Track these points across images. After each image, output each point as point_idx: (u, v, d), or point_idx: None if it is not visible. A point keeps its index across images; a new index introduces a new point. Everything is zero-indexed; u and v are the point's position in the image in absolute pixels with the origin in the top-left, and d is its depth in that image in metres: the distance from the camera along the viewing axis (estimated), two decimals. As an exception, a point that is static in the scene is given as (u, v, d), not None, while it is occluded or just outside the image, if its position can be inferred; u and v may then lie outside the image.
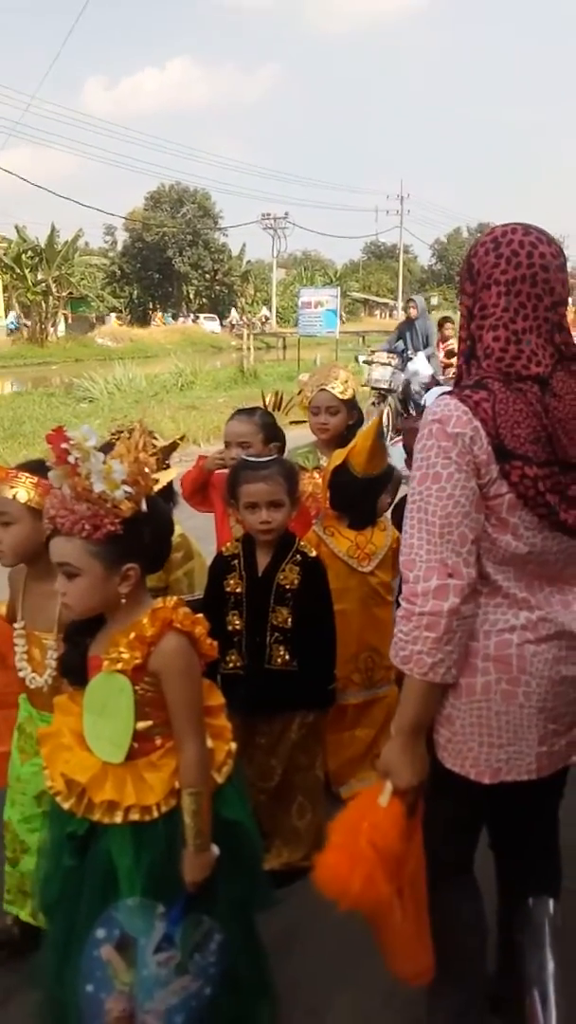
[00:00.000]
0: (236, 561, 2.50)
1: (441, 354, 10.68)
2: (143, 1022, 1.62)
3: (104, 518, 1.59)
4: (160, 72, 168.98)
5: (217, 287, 54.64)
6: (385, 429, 8.42)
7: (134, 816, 1.66)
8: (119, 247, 56.93)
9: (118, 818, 1.66)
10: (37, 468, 2.08)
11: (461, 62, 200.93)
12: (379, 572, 2.95)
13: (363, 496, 2.91)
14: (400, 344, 10.23)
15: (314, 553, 2.55)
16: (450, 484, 1.51)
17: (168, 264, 52.51)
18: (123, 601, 1.69)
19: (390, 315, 58.58)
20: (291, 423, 2.81)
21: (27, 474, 2.05)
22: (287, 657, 2.44)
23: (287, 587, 2.45)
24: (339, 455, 2.93)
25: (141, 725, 1.68)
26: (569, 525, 1.53)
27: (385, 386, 9.62)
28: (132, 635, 1.65)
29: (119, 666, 1.65)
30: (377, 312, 61.57)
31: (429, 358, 9.32)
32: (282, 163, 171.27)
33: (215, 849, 1.70)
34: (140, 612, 1.69)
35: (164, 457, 1.77)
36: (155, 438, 1.73)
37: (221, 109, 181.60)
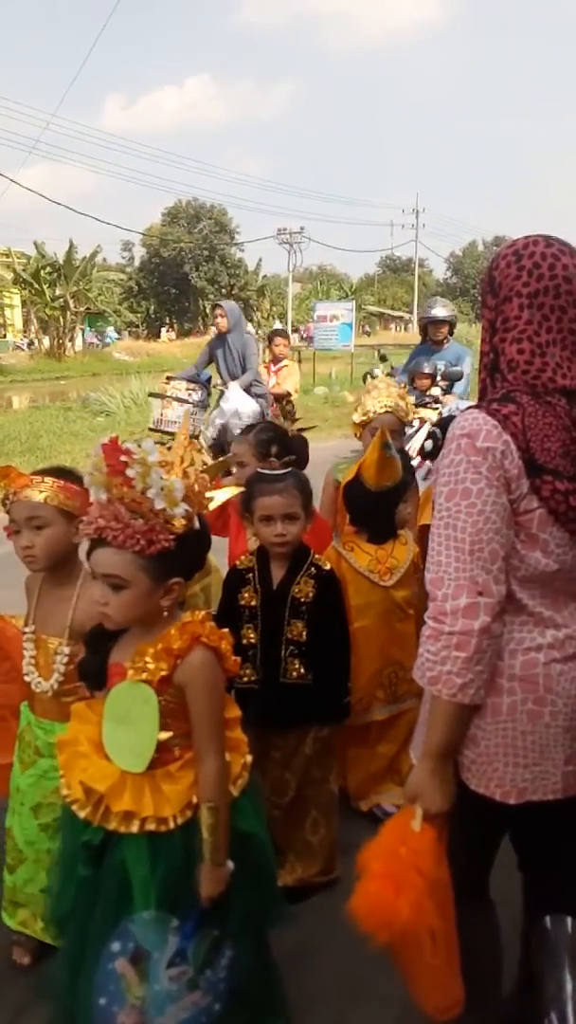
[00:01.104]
0: (251, 574, 2.50)
1: (272, 380, 7.75)
2: None
3: (159, 534, 1.61)
4: (178, 90, 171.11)
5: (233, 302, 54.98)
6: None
7: (150, 827, 1.65)
8: (136, 262, 57.41)
9: (135, 827, 1.65)
10: (57, 473, 2.12)
11: (477, 76, 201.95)
12: (400, 587, 2.93)
13: (377, 509, 2.90)
14: (207, 371, 7.38)
15: (329, 566, 2.55)
16: (480, 500, 1.48)
17: (185, 279, 52.88)
18: (165, 614, 1.71)
19: (405, 328, 58.63)
20: (298, 430, 2.81)
21: (51, 478, 2.07)
22: (302, 671, 2.43)
23: (302, 600, 2.44)
24: (352, 469, 2.93)
25: (161, 736, 1.68)
26: None
27: (174, 430, 5.64)
28: (160, 646, 1.65)
29: (144, 676, 1.65)
30: (392, 325, 61.63)
31: (248, 388, 6.93)
32: (298, 178, 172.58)
33: (230, 864, 1.69)
34: (168, 623, 1.70)
35: (214, 475, 1.77)
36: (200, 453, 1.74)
37: (238, 125, 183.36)
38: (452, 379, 6.15)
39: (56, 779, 2.08)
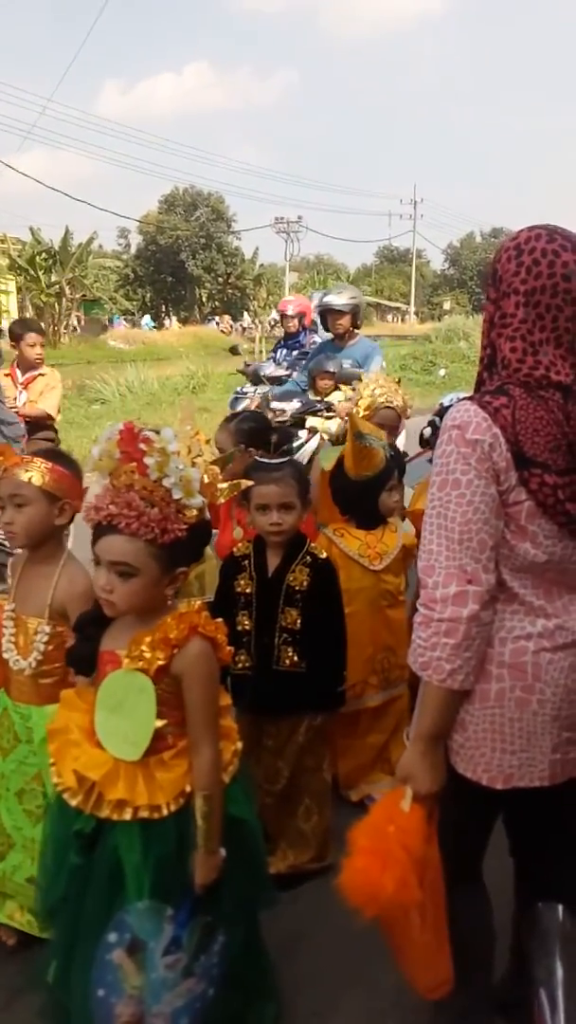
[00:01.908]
0: (246, 562, 2.50)
1: (22, 396, 5.30)
2: None
3: (173, 523, 1.62)
4: (176, 76, 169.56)
5: (230, 290, 54.73)
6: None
7: (143, 814, 1.66)
8: (132, 250, 57.17)
9: (127, 815, 1.66)
10: (49, 455, 2.15)
11: (476, 66, 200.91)
12: (390, 573, 2.96)
13: (360, 497, 2.92)
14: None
15: (324, 555, 2.55)
16: (469, 491, 1.50)
17: (181, 267, 52.68)
18: (169, 603, 1.72)
19: (402, 320, 58.55)
20: (278, 419, 2.84)
21: (40, 459, 2.10)
22: (295, 658, 2.44)
23: (296, 588, 2.45)
24: (332, 458, 2.95)
25: (156, 724, 1.69)
26: None
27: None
28: (157, 635, 1.66)
29: (141, 665, 1.65)
30: (389, 316, 61.52)
31: None
32: (296, 167, 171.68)
33: (222, 851, 1.70)
34: (164, 613, 1.70)
35: (222, 467, 1.78)
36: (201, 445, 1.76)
37: (236, 113, 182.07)
38: (348, 380, 5.11)
39: (35, 765, 2.11)
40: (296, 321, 6.63)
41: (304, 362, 6.06)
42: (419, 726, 1.61)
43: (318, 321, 6.56)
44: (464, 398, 1.60)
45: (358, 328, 5.59)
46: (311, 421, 5.24)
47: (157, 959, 1.62)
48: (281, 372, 6.49)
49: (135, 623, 1.72)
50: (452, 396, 3.92)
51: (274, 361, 6.79)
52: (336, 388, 5.26)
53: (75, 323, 35.81)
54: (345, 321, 5.43)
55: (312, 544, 2.56)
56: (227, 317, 46.13)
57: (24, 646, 2.13)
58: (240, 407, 6.26)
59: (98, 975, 1.62)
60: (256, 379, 6.74)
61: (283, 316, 6.74)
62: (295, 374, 6.11)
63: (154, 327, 41.44)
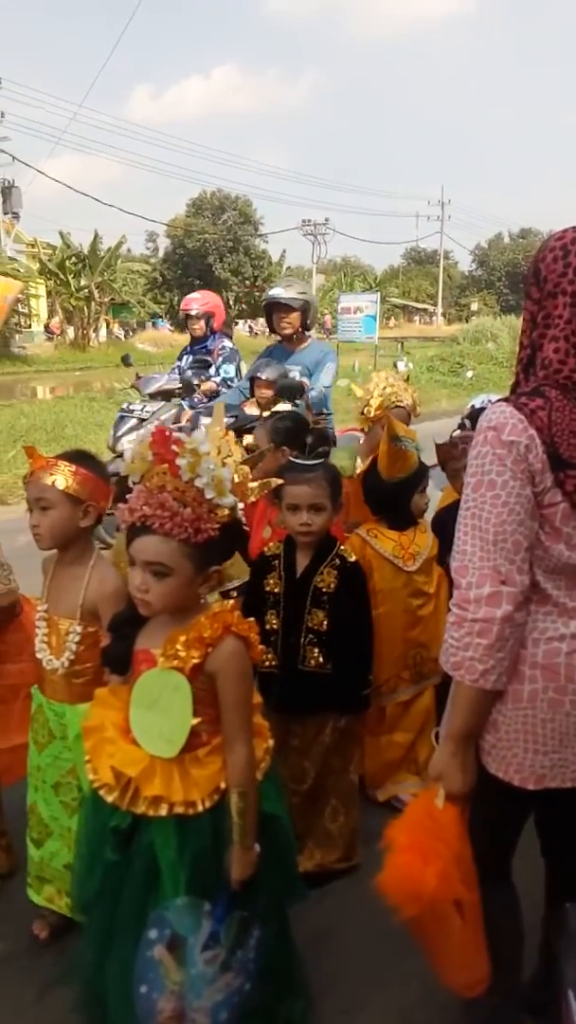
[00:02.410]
0: (276, 561, 2.53)
1: None
2: (192, 1020, 1.64)
3: (206, 522, 1.65)
4: (205, 80, 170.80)
5: (257, 293, 54.81)
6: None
7: (179, 810, 1.68)
8: (160, 253, 57.46)
9: (163, 811, 1.68)
10: (75, 457, 2.17)
11: (504, 66, 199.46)
12: (422, 573, 2.97)
13: (394, 498, 2.93)
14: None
15: (354, 558, 2.56)
16: (505, 492, 1.51)
17: (208, 270, 52.83)
18: (202, 601, 1.74)
19: (429, 321, 58.27)
20: (315, 420, 2.85)
21: (66, 463, 2.12)
22: (321, 659, 2.46)
23: (324, 590, 2.47)
24: (342, 457, 2.96)
25: (192, 721, 1.71)
26: None
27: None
28: (192, 635, 1.68)
29: (176, 663, 1.67)
30: (416, 318, 61.26)
31: None
32: (323, 169, 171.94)
33: (257, 847, 1.72)
34: (197, 612, 1.73)
35: (253, 467, 1.81)
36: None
37: (263, 116, 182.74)
38: (288, 394, 4.14)
39: (69, 760, 2.15)
40: (203, 323, 5.55)
41: (209, 372, 5.38)
42: (450, 726, 1.62)
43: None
44: (499, 399, 1.60)
45: (309, 329, 4.70)
46: (248, 439, 4.20)
47: (196, 954, 1.64)
48: (173, 385, 5.62)
49: (169, 622, 1.74)
50: (483, 398, 3.91)
51: (178, 370, 5.77)
52: (278, 400, 4.25)
53: (114, 330, 35.98)
54: (293, 319, 4.55)
55: (342, 547, 2.57)
56: (260, 320, 46.21)
57: (56, 646, 2.16)
58: (125, 428, 5.60)
59: (140, 971, 1.64)
60: (154, 394, 5.82)
61: (187, 317, 5.62)
62: (236, 383, 5.17)
63: (171, 330, 41.57)
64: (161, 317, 42.52)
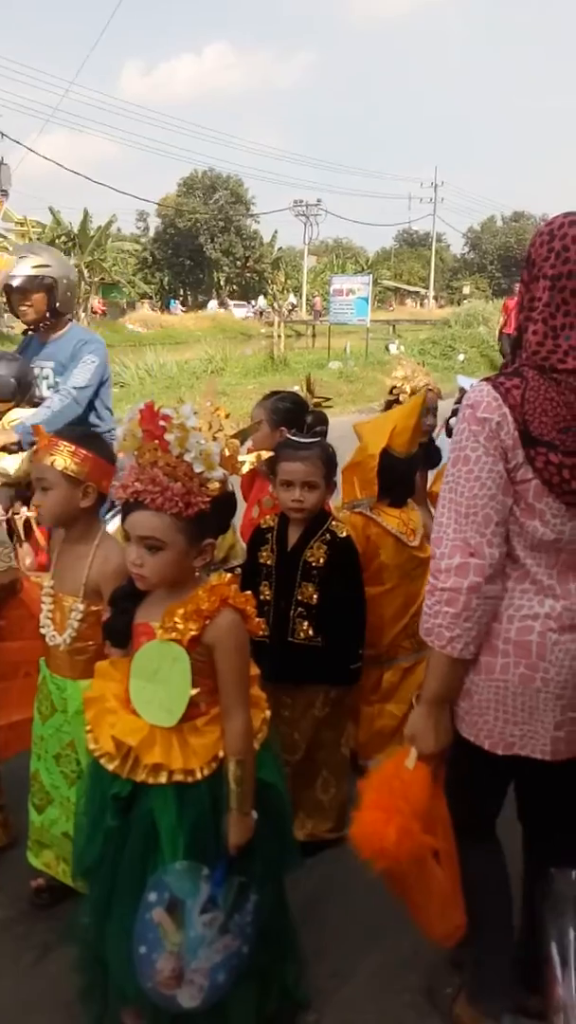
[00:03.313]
0: (270, 535, 2.57)
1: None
2: (190, 980, 1.69)
3: (196, 496, 1.67)
4: (197, 58, 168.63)
5: (248, 274, 54.55)
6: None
7: (178, 778, 1.72)
8: (151, 233, 57.03)
9: (163, 779, 1.72)
10: (78, 438, 2.19)
11: (499, 48, 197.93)
12: (421, 549, 3.00)
13: (406, 474, 2.97)
14: None
15: (345, 533, 2.59)
16: (477, 467, 1.57)
17: (199, 250, 52.50)
18: (196, 574, 1.77)
19: (421, 304, 58.13)
20: (315, 402, 2.84)
21: (66, 442, 2.14)
22: (311, 632, 2.50)
23: (313, 564, 2.51)
24: (373, 434, 2.95)
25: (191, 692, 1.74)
26: None
27: None
28: (189, 607, 1.72)
29: (174, 635, 1.71)
30: (409, 300, 61.12)
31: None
32: (316, 150, 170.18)
33: (254, 813, 1.76)
34: (195, 585, 1.77)
35: (243, 440, 1.84)
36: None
37: (256, 95, 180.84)
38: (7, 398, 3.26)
39: (69, 734, 2.18)
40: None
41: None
42: (424, 690, 1.71)
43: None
44: (483, 379, 1.65)
45: (62, 313, 3.57)
46: None
47: (195, 917, 1.69)
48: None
49: (168, 596, 1.78)
50: (470, 381, 3.94)
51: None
52: (21, 402, 3.34)
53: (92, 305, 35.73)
54: (37, 301, 3.47)
55: (334, 522, 2.61)
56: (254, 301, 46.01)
57: (60, 622, 2.19)
58: None
59: (139, 933, 1.69)
60: None
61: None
62: None
63: (184, 310, 41.41)
64: (175, 298, 42.14)
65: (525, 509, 1.58)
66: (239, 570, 2.65)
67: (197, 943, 1.69)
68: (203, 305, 48.95)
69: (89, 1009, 1.90)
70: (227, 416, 1.81)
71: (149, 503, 1.66)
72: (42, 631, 2.22)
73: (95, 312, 33.97)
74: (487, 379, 1.63)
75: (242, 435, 1.82)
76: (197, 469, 1.68)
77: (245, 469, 1.82)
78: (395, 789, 1.67)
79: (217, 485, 1.71)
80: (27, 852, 2.36)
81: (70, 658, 2.20)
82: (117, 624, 1.87)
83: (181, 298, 51.88)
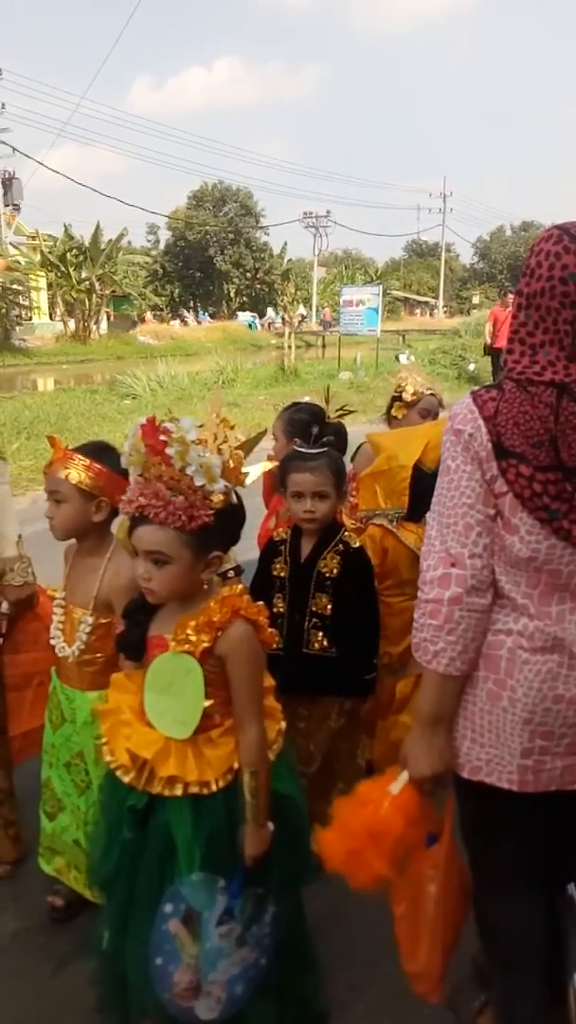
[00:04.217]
0: (283, 547, 2.58)
1: None
2: (208, 992, 1.69)
3: (199, 509, 1.67)
4: (206, 72, 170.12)
5: (258, 285, 54.73)
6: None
7: (193, 790, 1.73)
8: (161, 245, 57.33)
9: (178, 791, 1.72)
10: (92, 451, 2.19)
11: (507, 59, 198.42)
12: None
13: (430, 490, 2.94)
14: None
15: (357, 544, 2.59)
16: (457, 476, 1.56)
17: (209, 262, 52.73)
18: (205, 587, 1.78)
19: (431, 314, 58.17)
20: (337, 412, 2.84)
21: (81, 456, 2.15)
22: (325, 643, 2.50)
23: (327, 575, 2.51)
24: (404, 445, 2.94)
25: (204, 704, 1.75)
26: (572, 535, 1.49)
27: None
28: (201, 619, 1.72)
29: (187, 647, 1.71)
30: (418, 311, 61.15)
31: None
32: (325, 161, 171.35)
33: (270, 825, 1.76)
34: (207, 597, 1.77)
35: (248, 450, 1.84)
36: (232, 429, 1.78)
37: (266, 108, 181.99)
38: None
39: (77, 744, 2.20)
40: None
41: None
42: (417, 709, 1.66)
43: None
44: (471, 392, 1.64)
45: None
46: None
47: (211, 929, 1.69)
48: None
49: (180, 608, 1.78)
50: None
51: None
52: None
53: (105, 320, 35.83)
54: None
55: (347, 533, 2.62)
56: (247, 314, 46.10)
57: (70, 634, 2.21)
58: None
59: (156, 945, 1.69)
60: None
61: None
62: None
63: (211, 322, 41.55)
64: (203, 311, 42.05)
65: (505, 524, 1.55)
66: (231, 573, 2.65)
67: (214, 955, 1.69)
68: (213, 316, 49.11)
69: (108, 1021, 1.90)
70: (232, 428, 1.81)
71: (153, 517, 1.67)
72: (52, 642, 2.23)
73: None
74: (471, 392, 1.63)
75: (247, 445, 1.82)
76: (198, 482, 1.67)
77: (249, 481, 1.81)
78: (362, 812, 1.63)
79: (221, 498, 1.71)
80: (39, 858, 2.37)
81: (79, 669, 2.21)
82: (131, 637, 1.87)
83: (212, 310, 52.02)
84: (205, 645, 1.71)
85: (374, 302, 19.36)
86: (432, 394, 3.45)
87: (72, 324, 34.17)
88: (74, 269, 32.24)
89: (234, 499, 1.75)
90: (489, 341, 14.91)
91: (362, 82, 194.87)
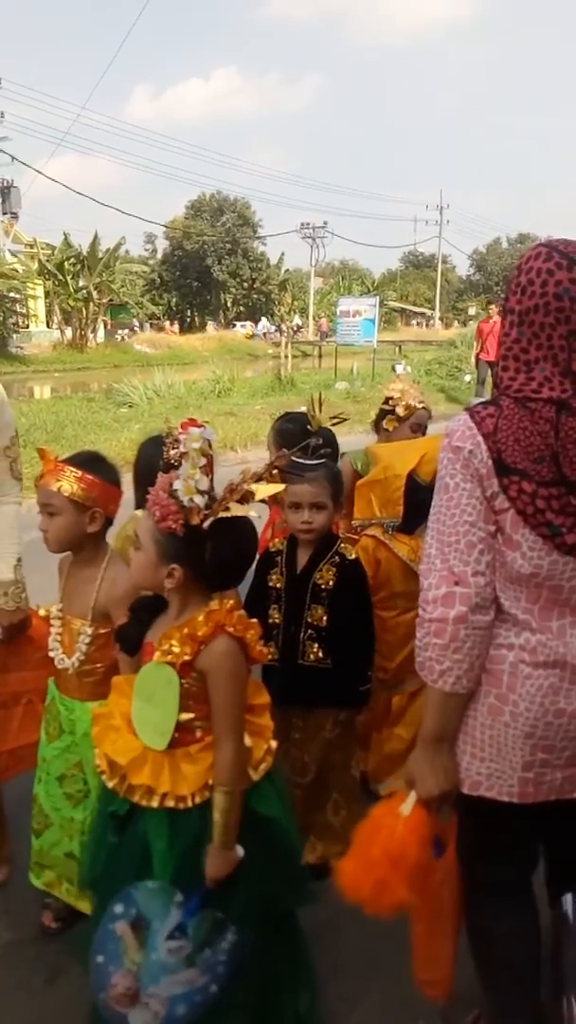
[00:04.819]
0: (279, 558, 2.58)
1: None
2: (145, 1003, 1.64)
3: (172, 514, 1.68)
4: (204, 82, 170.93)
5: (255, 295, 54.91)
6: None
7: (169, 803, 1.71)
8: (159, 255, 57.52)
9: (155, 802, 1.71)
10: (84, 462, 2.18)
11: (503, 72, 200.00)
12: None
13: (425, 503, 2.95)
14: None
15: (353, 555, 2.60)
16: (456, 494, 1.55)
17: (207, 272, 52.90)
18: (165, 594, 1.78)
19: (427, 325, 58.38)
20: (332, 420, 2.84)
21: (72, 468, 2.13)
22: (320, 654, 2.50)
23: (323, 587, 2.51)
24: (400, 454, 2.95)
25: (183, 717, 1.73)
26: (573, 547, 1.49)
27: None
28: (185, 631, 1.71)
29: (169, 659, 1.71)
30: (414, 322, 61.37)
31: None
32: (322, 173, 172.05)
33: (239, 850, 1.72)
34: (196, 610, 1.75)
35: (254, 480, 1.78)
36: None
37: (263, 119, 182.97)
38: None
39: (78, 754, 2.19)
40: None
41: None
42: (423, 728, 1.66)
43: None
44: (465, 409, 1.63)
45: None
46: None
47: (160, 941, 1.65)
48: None
49: (172, 618, 1.78)
50: (480, 401, 3.95)
51: None
52: None
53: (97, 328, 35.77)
54: None
55: (342, 544, 2.62)
56: (248, 323, 46.22)
57: (69, 645, 2.20)
58: None
59: (99, 942, 1.67)
60: None
61: None
62: None
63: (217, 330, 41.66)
64: (214, 320, 41.95)
65: (506, 540, 1.54)
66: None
67: (158, 968, 1.64)
68: (230, 325, 49.19)
69: None
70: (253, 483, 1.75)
71: (147, 502, 1.72)
72: (51, 654, 2.22)
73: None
74: (467, 408, 1.62)
75: (256, 476, 1.78)
76: (175, 486, 1.67)
77: (225, 514, 1.75)
78: (378, 840, 1.62)
79: (196, 516, 1.68)
80: (29, 873, 2.36)
81: (79, 680, 2.20)
82: (129, 632, 1.88)
83: (208, 320, 52.06)
84: (186, 658, 1.69)
85: (371, 313, 19.41)
86: (424, 408, 3.46)
87: (69, 332, 34.20)
88: (72, 278, 32.31)
89: (206, 526, 1.69)
90: (477, 351, 15.27)
91: (360, 94, 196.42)
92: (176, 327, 46.06)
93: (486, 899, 1.77)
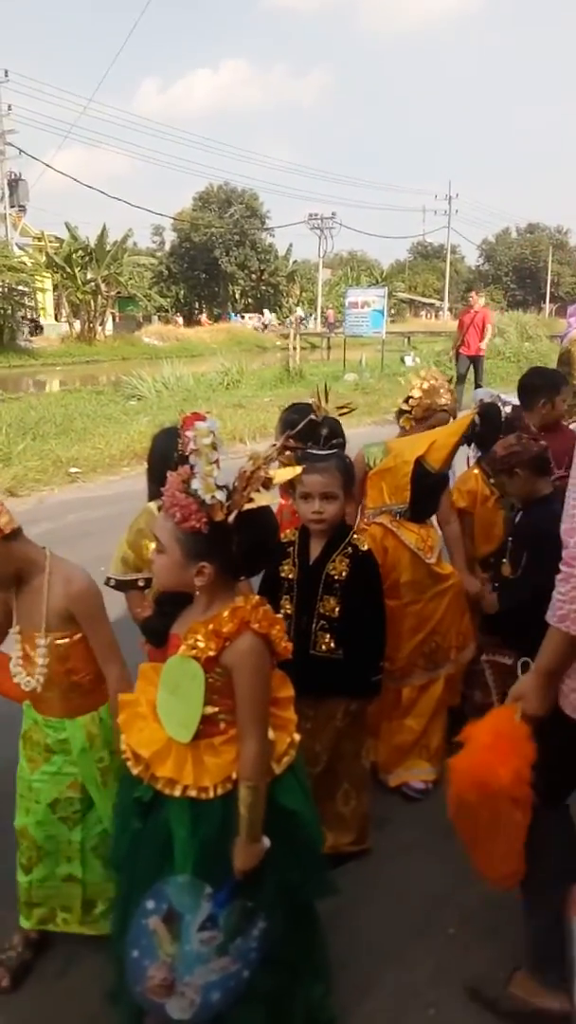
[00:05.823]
0: (291, 548, 2.57)
1: None
2: (181, 992, 1.68)
3: (194, 513, 1.67)
4: (213, 74, 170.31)
5: (263, 287, 54.72)
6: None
7: (191, 794, 1.72)
8: (167, 247, 57.34)
9: (177, 792, 1.73)
10: None
11: (513, 61, 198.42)
12: (439, 565, 3.01)
13: (434, 490, 2.97)
14: None
15: (366, 547, 2.60)
16: None
17: (215, 264, 52.71)
18: (197, 593, 1.78)
19: (436, 316, 58.10)
20: (339, 410, 2.83)
21: None
22: (332, 645, 2.50)
23: (335, 577, 2.51)
24: (410, 443, 2.95)
25: (208, 710, 1.74)
26: None
27: None
28: (210, 627, 1.72)
29: (194, 653, 1.71)
30: (423, 312, 61.09)
31: None
32: (331, 163, 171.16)
33: (266, 841, 1.74)
34: (223, 605, 1.75)
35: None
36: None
37: (272, 110, 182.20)
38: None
39: (71, 775, 2.14)
40: None
41: None
42: (539, 662, 1.82)
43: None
44: None
45: None
46: None
47: (192, 932, 1.68)
48: None
49: (202, 612, 1.78)
50: (487, 392, 3.90)
51: None
52: None
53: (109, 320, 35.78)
54: None
55: (355, 535, 2.62)
56: (256, 315, 46.21)
57: (32, 660, 2.09)
58: None
59: (133, 937, 1.70)
60: None
61: None
62: None
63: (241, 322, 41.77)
64: (235, 312, 42.00)
65: None
66: (140, 583, 2.59)
67: (192, 958, 1.69)
68: (217, 319, 49.18)
69: (117, 1011, 1.88)
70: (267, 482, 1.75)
71: (163, 506, 1.72)
72: (15, 680, 2.11)
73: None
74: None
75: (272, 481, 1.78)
76: (194, 486, 1.67)
77: (249, 506, 1.74)
78: (510, 735, 1.81)
79: (220, 513, 1.68)
80: (19, 917, 2.26)
81: (64, 697, 2.12)
82: (155, 624, 1.89)
83: (217, 312, 52.02)
84: (211, 653, 1.70)
85: (379, 304, 19.33)
86: (444, 410, 3.37)
87: (77, 325, 34.19)
88: (80, 270, 32.25)
89: (231, 519, 1.70)
90: (457, 344, 13.67)
91: (368, 84, 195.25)
92: (180, 319, 45.99)
93: (551, 809, 1.94)
